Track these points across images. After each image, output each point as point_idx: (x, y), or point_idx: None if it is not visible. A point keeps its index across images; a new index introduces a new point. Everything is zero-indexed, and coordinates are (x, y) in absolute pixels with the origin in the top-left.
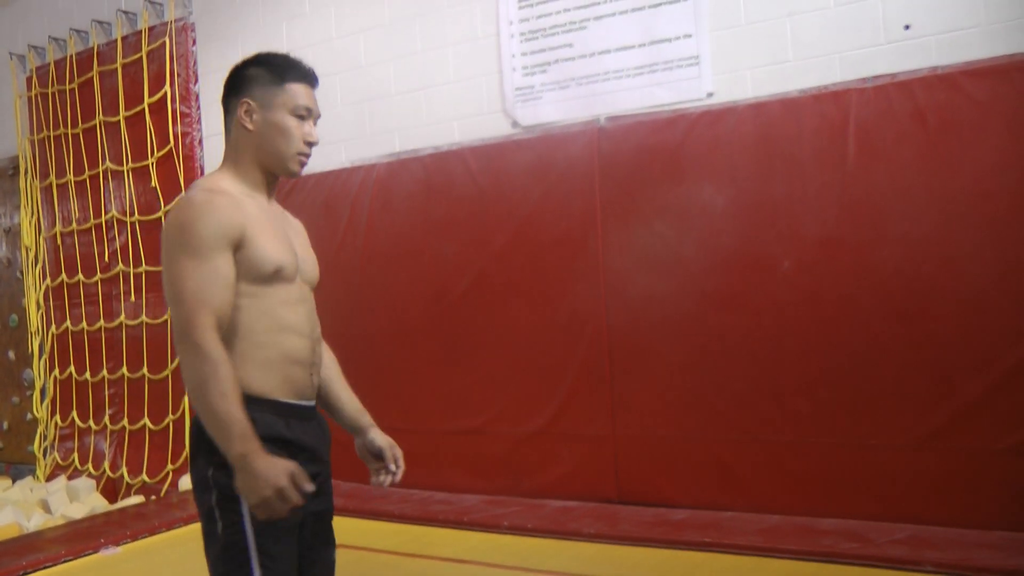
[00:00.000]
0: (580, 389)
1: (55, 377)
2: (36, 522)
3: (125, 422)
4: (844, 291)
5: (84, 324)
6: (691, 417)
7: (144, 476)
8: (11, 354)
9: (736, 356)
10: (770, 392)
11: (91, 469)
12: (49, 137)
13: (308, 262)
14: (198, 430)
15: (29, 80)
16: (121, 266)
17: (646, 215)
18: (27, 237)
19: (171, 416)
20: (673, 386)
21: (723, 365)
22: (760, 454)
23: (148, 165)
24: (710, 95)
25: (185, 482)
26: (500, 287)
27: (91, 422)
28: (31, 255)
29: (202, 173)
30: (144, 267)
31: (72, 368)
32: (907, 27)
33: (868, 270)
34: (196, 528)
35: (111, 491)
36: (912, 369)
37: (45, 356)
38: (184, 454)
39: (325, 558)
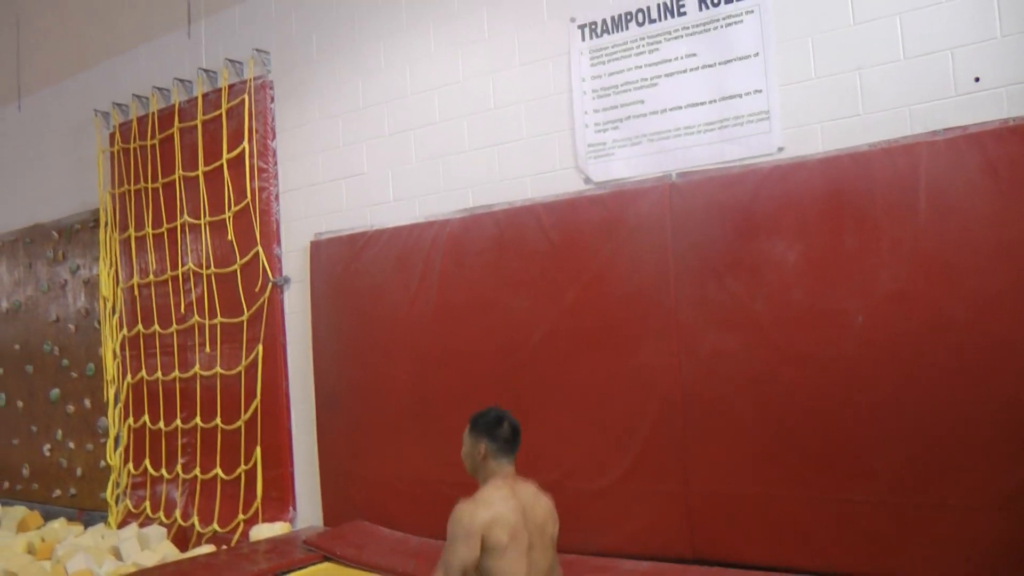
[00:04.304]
0: (653, 445)
1: (129, 425)
2: (107, 569)
3: (197, 471)
4: (918, 347)
5: (159, 374)
6: (764, 474)
7: (215, 525)
8: (87, 402)
9: (809, 413)
10: (844, 450)
11: (162, 517)
12: (129, 191)
13: None
14: None
15: (112, 136)
16: (196, 317)
17: (718, 270)
18: (105, 288)
19: (243, 466)
20: (746, 443)
21: (796, 422)
22: (834, 513)
23: (225, 219)
24: (780, 150)
25: (256, 532)
26: (572, 342)
27: (163, 470)
28: (108, 305)
29: (278, 227)
30: (219, 319)
31: (146, 417)
32: (977, 79)
33: (941, 326)
34: None
35: (182, 539)
36: (989, 427)
37: (120, 404)
38: (255, 504)
39: None
